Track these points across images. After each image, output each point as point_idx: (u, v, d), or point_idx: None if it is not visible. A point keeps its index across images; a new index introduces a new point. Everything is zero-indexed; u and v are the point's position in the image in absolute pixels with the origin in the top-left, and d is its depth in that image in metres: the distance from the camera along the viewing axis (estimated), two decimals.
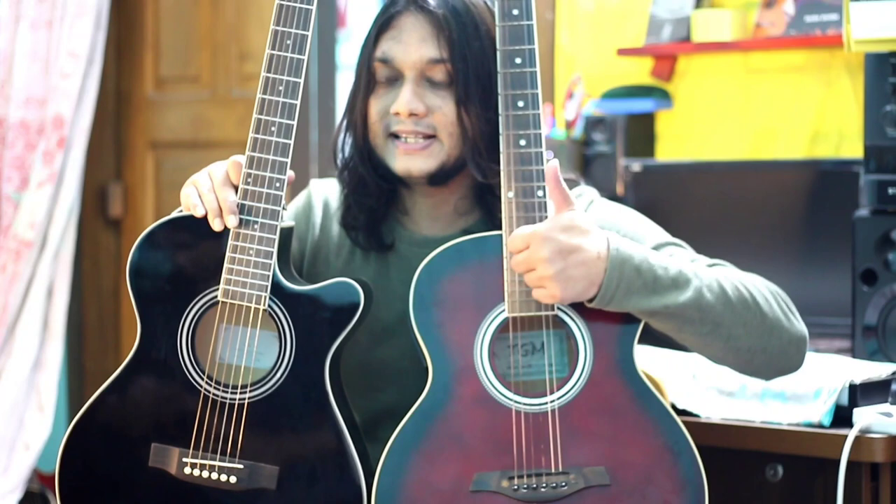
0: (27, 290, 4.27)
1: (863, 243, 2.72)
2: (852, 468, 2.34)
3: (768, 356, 2.13)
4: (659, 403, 2.06)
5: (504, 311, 2.05)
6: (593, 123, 3.47)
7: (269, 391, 2.09)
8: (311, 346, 2.09)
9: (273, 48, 2.09)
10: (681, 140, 3.51)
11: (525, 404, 2.04)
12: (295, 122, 2.09)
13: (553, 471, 2.03)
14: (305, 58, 2.09)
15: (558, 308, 2.05)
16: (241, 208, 2.09)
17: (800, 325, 2.16)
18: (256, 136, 2.10)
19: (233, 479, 2.07)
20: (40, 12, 4.26)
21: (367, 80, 2.22)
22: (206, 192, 2.10)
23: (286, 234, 2.15)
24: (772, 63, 3.39)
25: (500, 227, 2.08)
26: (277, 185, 2.09)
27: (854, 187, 2.98)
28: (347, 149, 2.28)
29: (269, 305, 2.09)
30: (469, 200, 2.26)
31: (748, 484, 2.50)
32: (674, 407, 2.51)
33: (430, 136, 2.20)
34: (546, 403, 2.04)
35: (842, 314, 2.87)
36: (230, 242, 2.09)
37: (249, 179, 2.09)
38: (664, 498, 2.05)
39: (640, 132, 3.50)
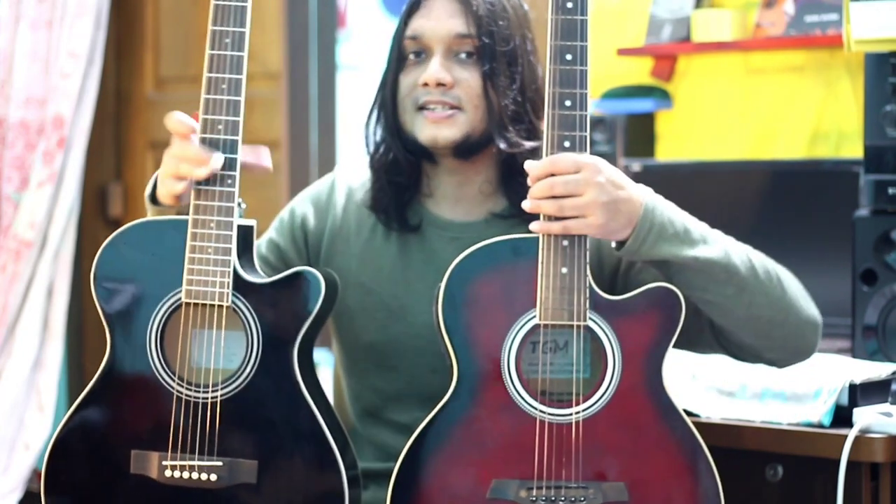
0: (27, 290, 4.26)
1: (863, 243, 2.72)
2: (852, 468, 2.34)
3: (786, 331, 2.14)
4: (683, 423, 2.05)
5: (534, 317, 2.03)
6: (593, 123, 3.47)
7: (241, 386, 2.10)
8: (277, 338, 2.10)
9: (213, 48, 2.14)
10: (681, 140, 3.51)
11: (549, 414, 2.02)
12: (241, 117, 2.12)
13: (573, 484, 2.01)
14: (245, 54, 2.12)
15: (590, 318, 2.03)
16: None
17: (816, 311, 2.20)
18: (204, 136, 2.12)
19: (213, 477, 2.08)
20: (40, 12, 4.26)
21: (398, 58, 2.25)
22: (179, 159, 2.09)
23: (246, 231, 2.16)
24: (772, 63, 3.38)
25: (524, 213, 2.06)
26: (229, 182, 2.09)
27: (854, 187, 2.98)
28: (378, 133, 2.30)
29: (233, 301, 2.10)
30: (493, 184, 2.27)
31: (748, 484, 2.50)
32: None
33: (456, 107, 2.21)
34: (571, 415, 2.02)
35: (842, 314, 2.86)
36: (188, 243, 2.10)
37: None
38: None
39: (640, 132, 3.50)
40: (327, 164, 4.23)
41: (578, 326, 2.02)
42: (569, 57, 2.02)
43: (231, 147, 2.11)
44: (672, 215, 2.07)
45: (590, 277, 2.02)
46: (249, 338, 2.10)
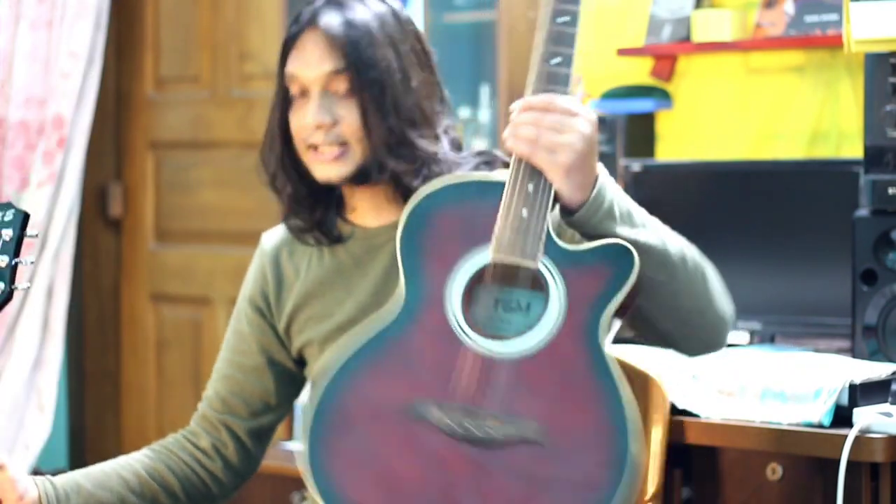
0: (27, 290, 4.26)
1: (863, 243, 2.72)
2: (852, 468, 2.34)
3: (704, 322, 2.16)
4: (611, 379, 2.02)
5: (487, 253, 2.05)
6: None
7: None
8: None
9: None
10: (681, 140, 3.51)
11: (482, 346, 2.03)
12: None
13: (490, 412, 2.01)
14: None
15: (542, 263, 2.04)
16: None
17: (731, 308, 2.21)
18: None
19: None
20: (40, 12, 4.26)
21: (283, 97, 2.30)
22: None
23: None
24: (772, 63, 3.39)
25: None
26: None
27: (854, 187, 2.98)
28: (273, 164, 2.33)
29: None
30: (400, 192, 2.30)
31: (748, 484, 2.50)
32: (674, 407, 2.51)
33: (344, 144, 2.26)
34: (504, 352, 2.03)
35: (842, 314, 2.87)
36: None
37: None
38: (588, 470, 2.00)
39: (640, 132, 3.50)
40: None
41: (528, 270, 2.04)
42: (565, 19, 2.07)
43: None
44: (619, 197, 2.11)
45: (549, 224, 2.05)
46: None
